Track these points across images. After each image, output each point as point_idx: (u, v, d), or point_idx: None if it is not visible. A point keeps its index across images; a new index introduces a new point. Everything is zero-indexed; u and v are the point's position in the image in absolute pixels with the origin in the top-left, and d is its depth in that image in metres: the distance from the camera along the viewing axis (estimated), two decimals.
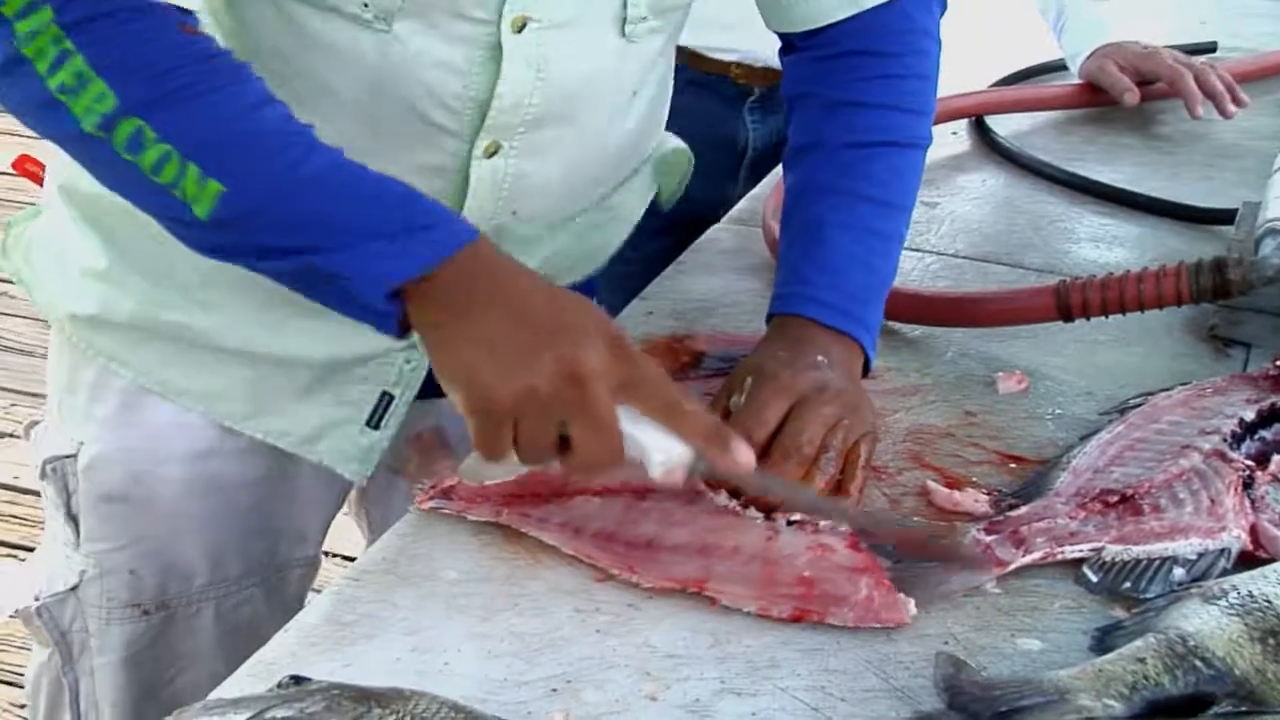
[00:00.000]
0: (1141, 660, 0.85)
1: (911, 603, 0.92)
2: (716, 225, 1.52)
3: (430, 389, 1.05)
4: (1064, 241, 1.52)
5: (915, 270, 1.44)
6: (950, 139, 1.76)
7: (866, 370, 1.12)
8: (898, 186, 1.16)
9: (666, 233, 1.48)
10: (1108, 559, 0.97)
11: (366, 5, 0.98)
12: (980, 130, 1.77)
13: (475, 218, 1.03)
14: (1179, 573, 0.96)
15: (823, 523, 0.97)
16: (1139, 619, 0.91)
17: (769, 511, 0.98)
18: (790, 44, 1.21)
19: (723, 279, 1.40)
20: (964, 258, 1.47)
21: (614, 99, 1.13)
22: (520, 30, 1.02)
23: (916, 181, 1.19)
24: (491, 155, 1.07)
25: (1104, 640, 0.90)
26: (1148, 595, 0.94)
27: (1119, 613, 0.93)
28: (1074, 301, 1.19)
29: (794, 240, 1.14)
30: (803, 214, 1.15)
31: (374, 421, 1.15)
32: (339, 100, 1.02)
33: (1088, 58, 1.84)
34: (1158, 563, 0.97)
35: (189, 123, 0.89)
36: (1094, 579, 0.96)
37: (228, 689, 0.85)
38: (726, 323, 1.32)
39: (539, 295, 0.92)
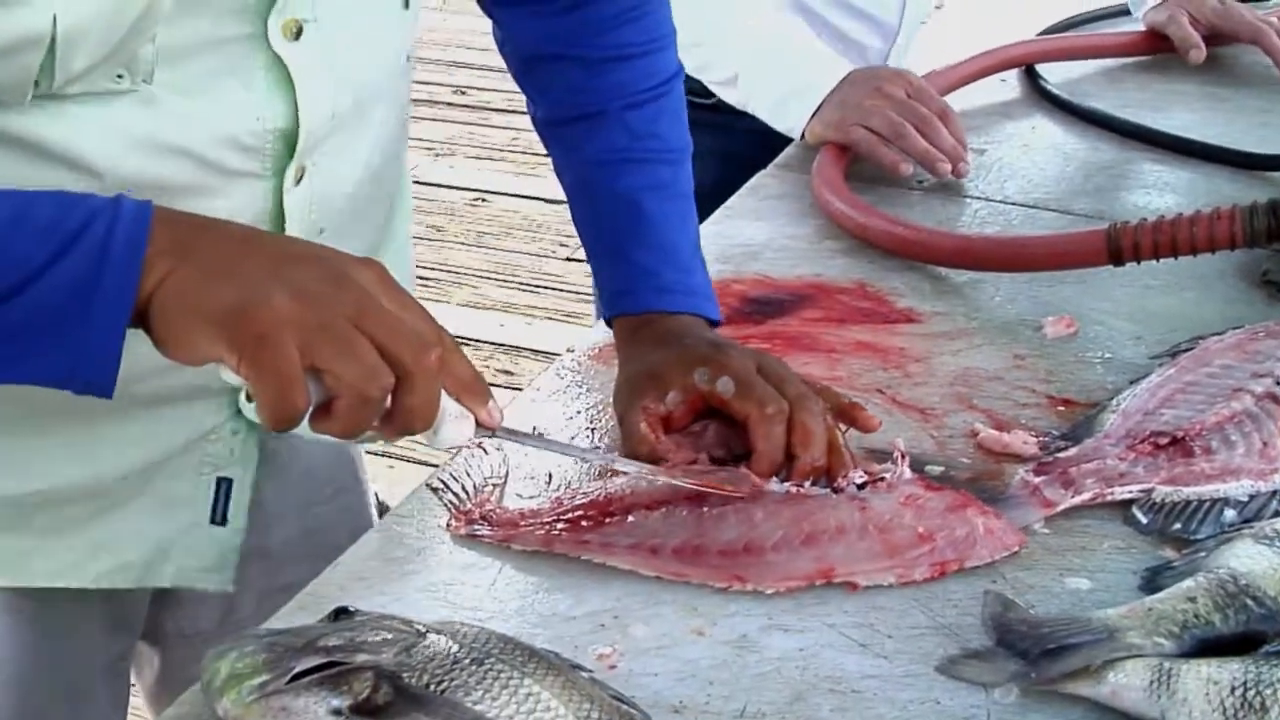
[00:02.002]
0: (1192, 599, 0.84)
1: None
2: (764, 171, 1.52)
3: None
4: (1114, 188, 1.50)
5: (964, 216, 1.43)
6: (999, 86, 1.74)
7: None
8: (679, 131, 1.13)
9: None
10: (1158, 500, 0.96)
11: (120, 76, 0.84)
12: (1030, 78, 1.75)
13: None
14: (1230, 514, 0.95)
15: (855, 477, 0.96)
16: (1189, 559, 0.90)
17: (818, 474, 0.97)
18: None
19: (770, 225, 1.39)
20: (1012, 204, 1.46)
21: (399, 79, 1.03)
22: (297, 37, 0.89)
23: (684, 112, 1.14)
24: (300, 180, 0.94)
25: (1153, 580, 0.90)
26: (1198, 536, 0.94)
27: (1168, 553, 0.93)
28: (1125, 244, 1.17)
29: (615, 223, 1.10)
30: (611, 190, 1.09)
31: (218, 517, 1.01)
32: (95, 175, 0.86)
33: (1157, 5, 1.80)
34: (1208, 504, 0.96)
35: None
36: (1144, 520, 0.96)
37: (277, 621, 0.86)
38: (772, 269, 1.31)
39: (258, 232, 0.83)
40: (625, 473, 0.97)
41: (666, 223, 1.09)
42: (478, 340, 3.32)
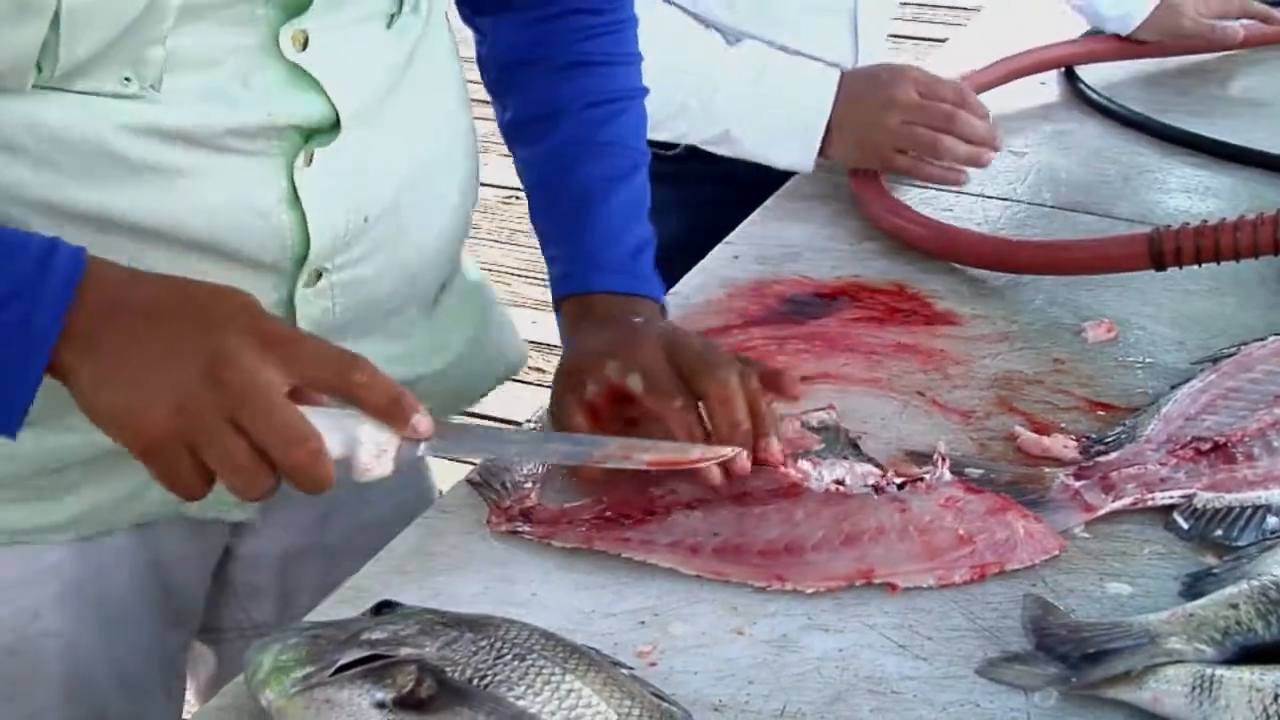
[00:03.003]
0: (1234, 606, 0.84)
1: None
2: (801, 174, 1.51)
3: None
4: (1155, 192, 1.50)
5: (1002, 219, 1.42)
6: (1039, 89, 1.74)
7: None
8: (638, 138, 1.14)
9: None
10: (1199, 506, 0.96)
11: (128, 79, 0.86)
12: (1070, 80, 1.75)
13: None
14: (1273, 521, 0.94)
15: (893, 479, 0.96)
16: (1231, 566, 0.90)
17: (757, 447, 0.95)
18: (489, 7, 1.14)
19: (808, 225, 1.39)
20: (1052, 207, 1.45)
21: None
22: (310, 164, 0.92)
23: (645, 129, 1.16)
24: (316, 281, 0.96)
25: (1194, 586, 0.89)
26: (1239, 543, 0.93)
27: (1209, 559, 0.92)
28: (1167, 249, 1.17)
29: (565, 208, 1.11)
30: (565, 178, 1.11)
31: None
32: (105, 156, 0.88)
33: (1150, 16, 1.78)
34: (1250, 511, 0.95)
35: None
36: (1185, 526, 0.95)
37: (319, 615, 0.86)
38: (811, 269, 1.31)
39: (162, 299, 0.81)
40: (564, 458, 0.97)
41: (615, 210, 1.10)
42: None
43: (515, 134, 1.16)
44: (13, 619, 1.00)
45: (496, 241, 3.77)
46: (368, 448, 0.82)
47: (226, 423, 0.78)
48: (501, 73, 1.16)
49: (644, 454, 0.92)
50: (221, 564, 1.15)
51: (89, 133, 0.86)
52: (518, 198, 4.02)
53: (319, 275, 0.96)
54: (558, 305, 1.11)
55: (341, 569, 1.09)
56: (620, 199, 1.11)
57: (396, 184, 1.00)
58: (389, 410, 0.82)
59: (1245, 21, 1.81)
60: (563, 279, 1.10)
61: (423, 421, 0.83)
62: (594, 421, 0.99)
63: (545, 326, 3.75)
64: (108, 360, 0.79)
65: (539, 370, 3.32)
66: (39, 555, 1.00)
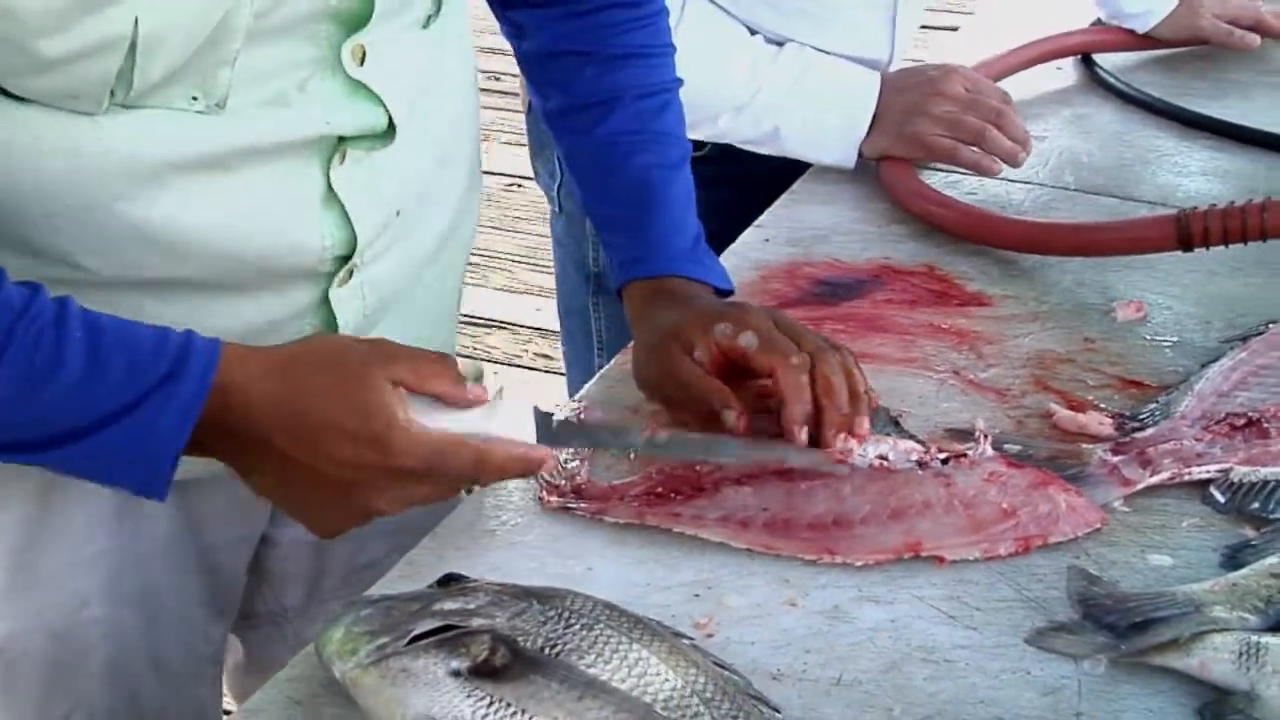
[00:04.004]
0: (1276, 575, 0.86)
1: None
2: None
3: None
4: (1175, 175, 1.52)
5: (1026, 202, 1.44)
6: (1056, 74, 1.76)
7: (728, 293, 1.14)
8: (682, 130, 1.17)
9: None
10: (1235, 480, 0.98)
11: (195, 98, 0.88)
12: (1087, 65, 1.77)
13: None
14: None
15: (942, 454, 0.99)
16: (1269, 537, 0.93)
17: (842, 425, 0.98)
18: (522, 2, 1.16)
19: (837, 208, 1.41)
20: (1074, 190, 1.47)
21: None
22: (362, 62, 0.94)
23: (685, 122, 1.19)
24: (348, 281, 0.99)
25: (1234, 557, 0.92)
26: (1276, 515, 0.95)
27: (1248, 531, 0.95)
28: (1195, 230, 1.19)
29: (626, 196, 1.13)
30: (623, 167, 1.13)
31: None
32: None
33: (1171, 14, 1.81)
34: None
35: None
36: (1221, 499, 0.98)
37: (379, 590, 0.88)
38: (841, 251, 1.33)
39: (288, 441, 0.83)
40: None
41: (675, 200, 1.13)
42: (514, 324, 3.34)
43: (562, 123, 1.18)
44: (62, 605, 1.02)
45: (499, 229, 3.79)
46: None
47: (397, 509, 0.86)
48: (539, 59, 1.18)
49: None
50: (262, 552, 1.17)
51: (152, 148, 0.88)
52: (520, 185, 4.03)
53: (350, 274, 0.98)
54: (620, 288, 1.13)
55: (366, 552, 1.13)
56: (677, 189, 1.13)
57: (424, 176, 1.03)
58: (526, 471, 0.89)
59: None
60: (631, 264, 1.12)
61: (549, 464, 0.89)
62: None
63: (549, 314, 3.75)
64: (268, 480, 0.86)
65: (545, 357, 3.34)
66: (85, 542, 1.02)
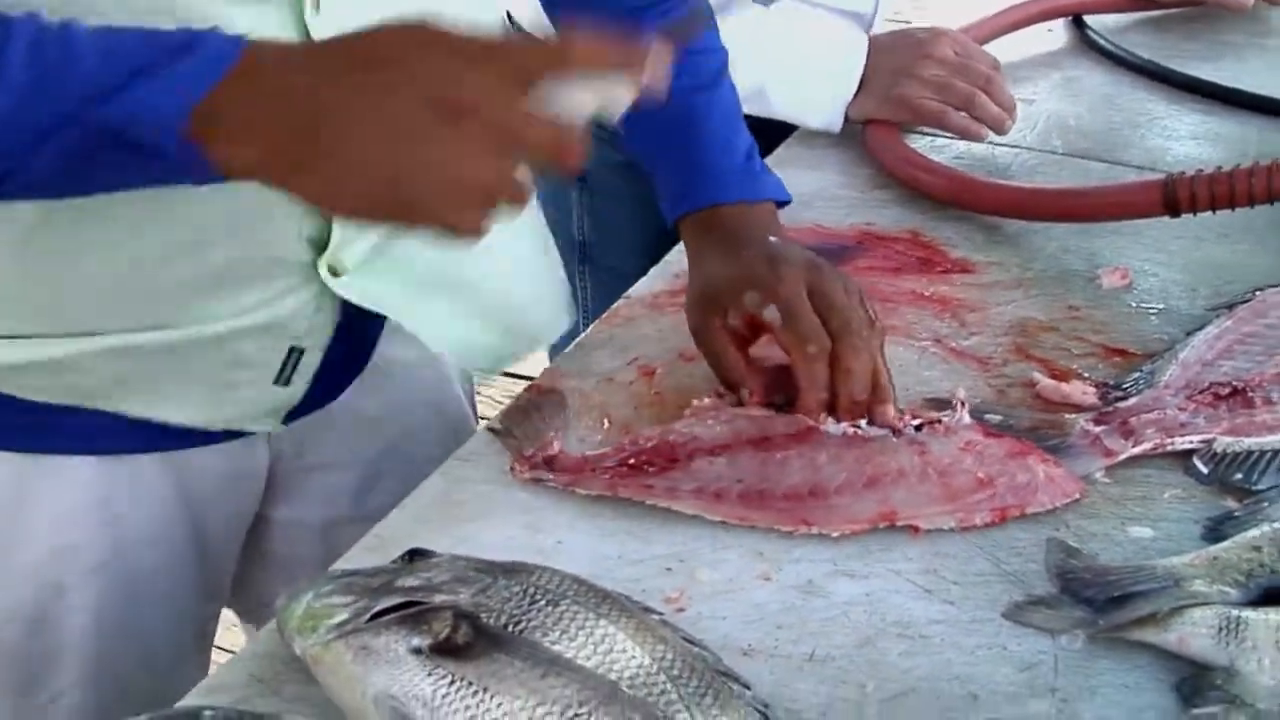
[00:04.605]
0: (1257, 548, 0.85)
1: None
2: None
3: None
4: (1164, 139, 1.50)
5: (1013, 166, 1.43)
6: (1046, 36, 1.74)
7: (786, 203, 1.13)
8: (714, 37, 1.14)
9: None
10: (1218, 450, 0.97)
11: None
12: (1078, 27, 1.75)
13: None
14: None
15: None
16: (1252, 509, 0.91)
17: (871, 415, 0.98)
18: None
19: (821, 173, 1.39)
20: (1062, 154, 1.46)
21: None
22: None
23: (717, 29, 1.14)
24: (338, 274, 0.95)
25: (1216, 530, 0.90)
26: (1259, 487, 0.94)
27: (1230, 503, 0.93)
28: (1182, 196, 1.17)
29: (665, 125, 1.09)
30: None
31: (282, 379, 1.00)
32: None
33: None
34: (1269, 454, 0.96)
35: None
36: (1204, 470, 0.96)
37: (346, 564, 0.87)
38: (824, 217, 1.31)
39: (348, 68, 0.74)
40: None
41: (719, 121, 1.10)
42: None
43: None
44: (38, 594, 1.00)
45: None
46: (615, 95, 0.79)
47: (486, 151, 0.73)
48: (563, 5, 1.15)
49: None
50: (259, 532, 1.14)
51: None
52: None
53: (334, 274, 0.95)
54: (675, 225, 1.11)
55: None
56: (719, 107, 1.10)
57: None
58: (621, 63, 0.78)
59: None
60: (680, 198, 1.10)
61: (660, 54, 0.80)
62: (741, 347, 1.01)
63: None
64: (334, 162, 0.73)
65: None
66: (67, 529, 0.99)
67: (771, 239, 1.05)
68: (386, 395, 1.12)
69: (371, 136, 0.72)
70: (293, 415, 1.04)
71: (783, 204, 1.12)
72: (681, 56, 1.09)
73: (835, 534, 0.90)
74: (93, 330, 0.93)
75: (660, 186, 1.13)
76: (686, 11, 1.11)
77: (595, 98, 0.78)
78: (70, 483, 0.99)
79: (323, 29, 0.87)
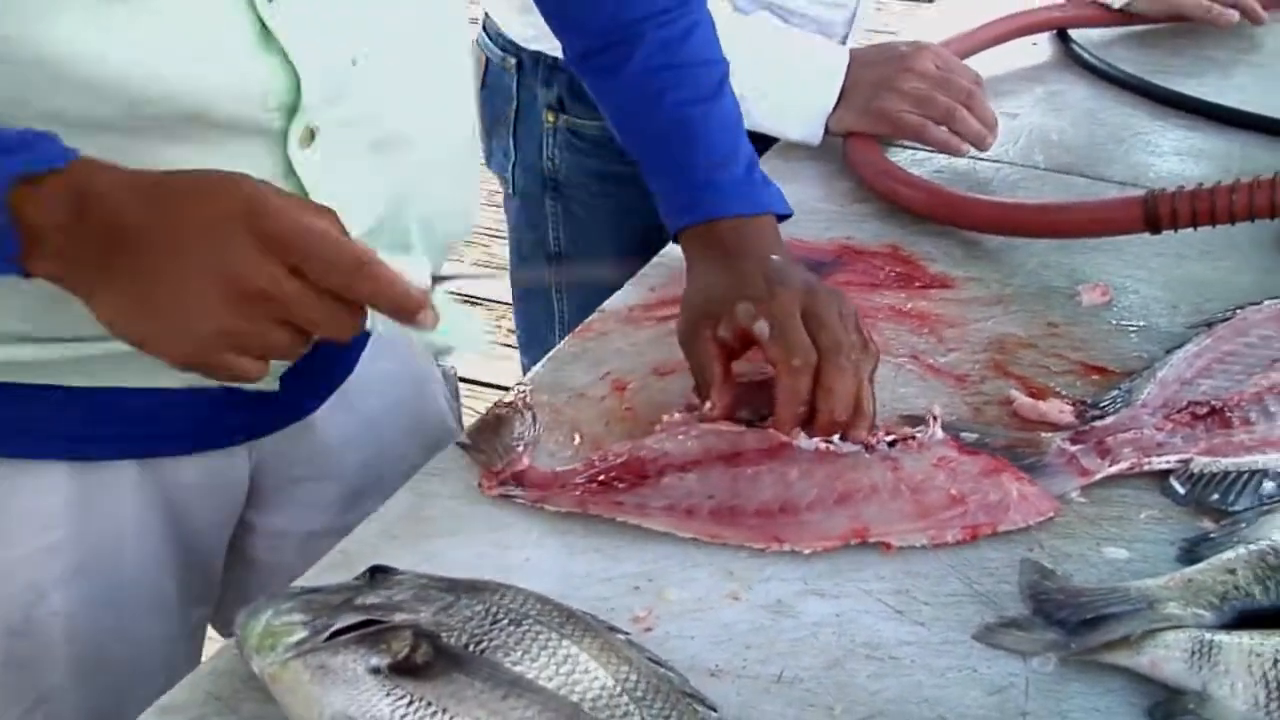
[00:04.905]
0: (1232, 571, 0.84)
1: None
2: None
3: None
4: (1147, 155, 1.49)
5: (994, 181, 1.42)
6: (1030, 50, 1.73)
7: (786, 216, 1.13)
8: (714, 47, 1.14)
9: None
10: (1195, 471, 0.96)
11: None
12: (1062, 41, 1.74)
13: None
14: (1269, 486, 0.94)
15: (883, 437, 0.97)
16: (1228, 530, 0.90)
17: (845, 435, 0.97)
18: None
19: (800, 186, 1.38)
20: (1044, 169, 1.45)
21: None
22: None
23: (717, 35, 1.15)
24: (310, 142, 0.91)
25: (1192, 551, 0.89)
26: (1236, 508, 0.93)
27: (1206, 524, 0.92)
28: (1163, 212, 1.17)
29: (664, 138, 1.10)
30: (655, 107, 1.10)
31: None
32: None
33: None
34: (1247, 475, 0.95)
35: None
36: (1181, 491, 0.95)
37: (309, 580, 0.86)
38: (803, 231, 1.30)
39: (161, 213, 0.78)
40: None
41: (716, 131, 1.10)
42: (489, 300, 3.31)
43: (587, 66, 1.15)
44: (18, 597, 0.98)
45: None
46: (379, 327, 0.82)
47: (266, 326, 0.78)
48: (562, 4, 1.15)
49: None
50: (243, 540, 1.13)
51: None
52: None
53: (312, 136, 0.90)
54: (675, 237, 1.10)
55: None
56: (718, 119, 1.10)
57: (387, 23, 0.94)
58: (397, 313, 0.81)
59: None
60: (680, 211, 1.09)
61: (428, 316, 0.81)
62: (726, 359, 1.00)
63: None
64: (121, 292, 0.78)
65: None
66: (43, 531, 0.98)
67: (773, 257, 1.05)
68: (368, 408, 1.12)
69: (162, 287, 0.77)
70: (287, 382, 1.01)
71: (784, 217, 1.12)
72: (679, 70, 1.10)
73: (807, 551, 0.89)
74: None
75: (659, 198, 1.13)
76: (685, 22, 1.11)
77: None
78: (48, 488, 0.98)
79: (281, 17, 0.86)
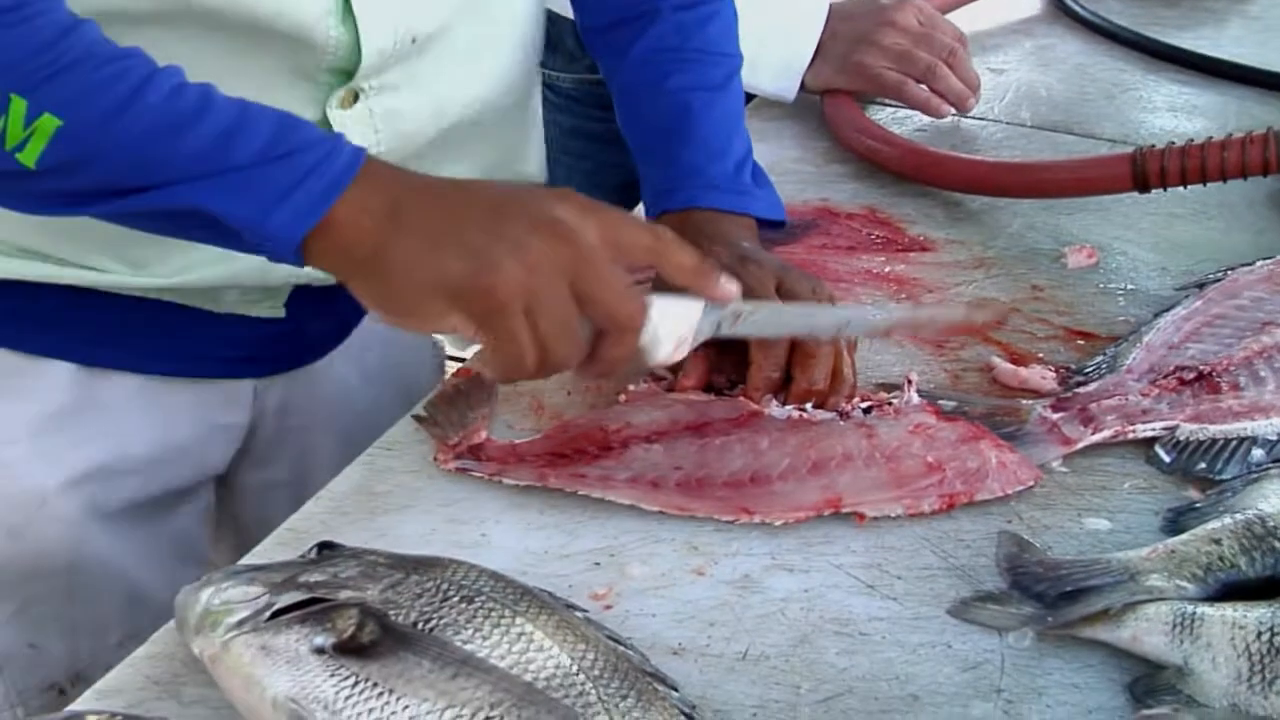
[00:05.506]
0: (1217, 541, 0.85)
1: None
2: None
3: None
4: (1139, 110, 1.50)
5: (979, 139, 1.42)
6: (1018, 2, 1.73)
7: (781, 225, 1.13)
8: (731, 40, 1.15)
9: None
10: (1182, 438, 0.97)
11: None
12: None
13: None
14: (1258, 453, 0.95)
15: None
16: (1214, 500, 0.91)
17: (816, 400, 0.97)
18: None
19: (774, 146, 1.38)
20: (1032, 127, 1.45)
21: None
22: None
23: (736, 33, 1.16)
24: (352, 104, 0.98)
25: (1176, 521, 0.90)
26: (1224, 476, 0.94)
27: (1192, 493, 0.93)
28: (1151, 170, 1.17)
29: (662, 121, 1.11)
30: (659, 89, 1.12)
31: None
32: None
33: None
34: (1235, 442, 0.96)
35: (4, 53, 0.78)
36: (1167, 459, 0.96)
37: (254, 558, 0.86)
38: (779, 192, 1.28)
39: (460, 185, 0.85)
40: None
41: (716, 124, 1.10)
42: None
43: (600, 39, 1.16)
44: (19, 499, 1.03)
45: None
46: (667, 332, 0.86)
47: (565, 283, 0.80)
48: None
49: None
50: (231, 499, 1.19)
51: None
52: None
53: (355, 98, 0.97)
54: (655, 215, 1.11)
55: None
56: (719, 111, 1.11)
57: (450, 7, 1.00)
58: (695, 279, 0.86)
59: None
60: (663, 195, 1.10)
61: (729, 285, 0.86)
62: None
63: None
64: (431, 232, 0.81)
65: None
66: (44, 434, 1.03)
67: (745, 244, 1.05)
68: (366, 363, 1.17)
69: (473, 214, 0.81)
70: (292, 307, 1.06)
71: (775, 224, 1.11)
72: (690, 55, 1.10)
73: (778, 523, 0.90)
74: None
75: (644, 182, 1.13)
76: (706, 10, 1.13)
77: (681, 322, 0.86)
78: (50, 386, 1.02)
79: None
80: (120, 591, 1.09)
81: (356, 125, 0.98)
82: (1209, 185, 1.18)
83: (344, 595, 0.74)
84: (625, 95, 1.15)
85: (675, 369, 1.00)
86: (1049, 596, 0.83)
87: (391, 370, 1.21)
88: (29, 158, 0.78)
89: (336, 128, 0.96)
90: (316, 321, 1.11)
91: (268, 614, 0.73)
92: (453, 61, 1.03)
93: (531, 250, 0.80)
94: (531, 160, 1.20)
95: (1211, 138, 1.17)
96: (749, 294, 0.98)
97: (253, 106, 0.82)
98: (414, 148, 1.02)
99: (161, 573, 1.10)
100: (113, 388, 1.05)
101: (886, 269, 1.19)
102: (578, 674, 0.73)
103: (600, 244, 0.81)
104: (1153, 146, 1.18)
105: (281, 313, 1.07)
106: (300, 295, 1.07)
